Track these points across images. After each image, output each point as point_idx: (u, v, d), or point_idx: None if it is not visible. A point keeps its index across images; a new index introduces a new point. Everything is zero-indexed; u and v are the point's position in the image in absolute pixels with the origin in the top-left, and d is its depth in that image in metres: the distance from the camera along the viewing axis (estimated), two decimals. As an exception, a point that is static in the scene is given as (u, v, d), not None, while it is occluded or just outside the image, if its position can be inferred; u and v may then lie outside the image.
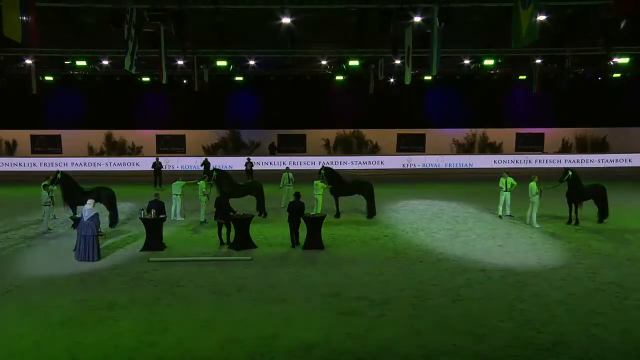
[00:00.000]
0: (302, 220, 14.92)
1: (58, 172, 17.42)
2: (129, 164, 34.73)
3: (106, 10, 16.82)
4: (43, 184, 17.16)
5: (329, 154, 37.06)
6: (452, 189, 26.09)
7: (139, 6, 16.69)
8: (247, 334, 9.33)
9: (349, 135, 37.94)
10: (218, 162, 29.69)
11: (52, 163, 31.72)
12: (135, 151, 37.34)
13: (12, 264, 13.47)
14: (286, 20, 19.96)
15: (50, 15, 19.84)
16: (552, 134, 38.19)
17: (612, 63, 29.03)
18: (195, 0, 19.21)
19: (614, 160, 35.42)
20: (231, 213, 15.05)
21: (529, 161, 34.81)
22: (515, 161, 34.84)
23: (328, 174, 18.83)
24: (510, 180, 18.47)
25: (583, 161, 34.75)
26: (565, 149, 37.90)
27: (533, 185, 17.35)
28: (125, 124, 36.93)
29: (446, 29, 16.77)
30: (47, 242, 15.73)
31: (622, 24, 20.27)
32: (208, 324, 9.73)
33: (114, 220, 17.44)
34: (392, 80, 33.20)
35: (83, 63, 27.41)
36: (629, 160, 35.32)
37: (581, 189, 17.64)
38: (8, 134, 36.71)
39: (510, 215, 18.73)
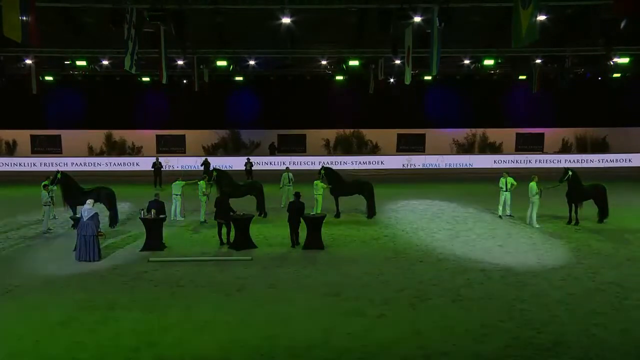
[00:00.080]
0: (302, 220, 14.93)
1: (58, 172, 17.42)
2: (129, 164, 34.71)
3: (106, 10, 16.81)
4: (43, 184, 17.17)
5: (329, 154, 37.04)
6: (452, 189, 26.09)
7: (139, 6, 16.69)
8: (247, 334, 9.33)
9: (349, 135, 37.93)
10: (218, 162, 29.69)
11: (52, 163, 31.68)
12: (135, 151, 37.33)
13: (12, 264, 13.48)
14: (286, 20, 19.95)
15: (50, 15, 19.83)
16: (552, 134, 38.18)
17: (612, 63, 29.01)
18: (195, 0, 19.19)
19: (614, 160, 35.40)
20: (231, 213, 15.06)
21: (529, 161, 34.79)
22: (515, 161, 34.83)
23: (328, 174, 18.84)
24: (510, 180, 18.47)
25: (583, 161, 34.73)
26: (565, 149, 37.89)
27: (533, 185, 17.35)
28: (125, 124, 36.91)
29: (446, 29, 16.76)
30: (47, 242, 15.74)
31: (622, 24, 20.26)
32: (208, 324, 9.73)
33: (114, 220, 17.44)
34: (392, 80, 33.19)
35: (83, 63, 27.39)
36: (629, 160, 35.30)
37: (581, 189, 17.64)
38: (8, 134, 36.69)
39: (510, 215, 18.73)
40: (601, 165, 34.83)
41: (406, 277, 12.38)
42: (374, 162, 35.66)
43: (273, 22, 20.80)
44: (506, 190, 18.52)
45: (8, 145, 37.00)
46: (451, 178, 30.99)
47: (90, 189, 17.31)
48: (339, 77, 33.44)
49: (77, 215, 15.00)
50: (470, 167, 35.10)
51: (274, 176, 23.65)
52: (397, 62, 27.02)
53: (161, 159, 28.40)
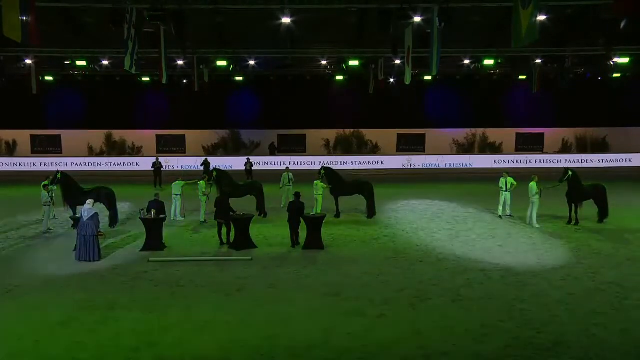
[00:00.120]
0: (302, 220, 14.93)
1: (58, 172, 17.41)
2: (129, 164, 34.71)
3: (106, 10, 16.80)
4: (43, 184, 17.17)
5: (329, 154, 37.04)
6: (452, 189, 26.09)
7: (139, 6, 16.68)
8: (247, 334, 9.34)
9: (349, 135, 37.93)
10: (218, 162, 29.68)
11: (52, 163, 31.67)
12: (135, 151, 37.32)
13: (12, 264, 13.48)
14: (286, 20, 19.96)
15: (50, 15, 19.83)
16: (552, 134, 38.17)
17: (612, 63, 28.99)
18: (195, 0, 19.20)
19: (614, 160, 35.40)
20: (231, 213, 15.06)
21: (529, 161, 34.78)
22: (515, 161, 34.82)
23: (328, 174, 18.84)
24: (510, 180, 18.47)
25: (583, 161, 34.73)
26: (565, 149, 37.88)
27: (533, 185, 17.36)
28: (125, 124, 36.90)
29: (446, 29, 16.76)
30: (47, 242, 15.74)
31: (622, 24, 20.29)
32: (208, 324, 9.73)
33: (114, 220, 17.44)
34: (392, 80, 33.17)
35: (83, 63, 27.40)
36: (629, 160, 35.30)
37: (581, 189, 17.64)
38: (8, 134, 36.69)
39: (510, 215, 18.73)
40: (601, 165, 34.82)
41: (406, 277, 12.38)
42: (374, 162, 35.65)
43: (273, 22, 20.81)
44: (506, 190, 18.52)
45: (8, 145, 37.00)
46: (451, 178, 30.99)
47: (90, 189, 17.32)
48: (339, 77, 33.45)
49: (77, 215, 15.01)
50: (470, 167, 35.10)
51: (274, 176, 23.65)
52: (397, 62, 27.01)
53: (161, 159, 28.40)
